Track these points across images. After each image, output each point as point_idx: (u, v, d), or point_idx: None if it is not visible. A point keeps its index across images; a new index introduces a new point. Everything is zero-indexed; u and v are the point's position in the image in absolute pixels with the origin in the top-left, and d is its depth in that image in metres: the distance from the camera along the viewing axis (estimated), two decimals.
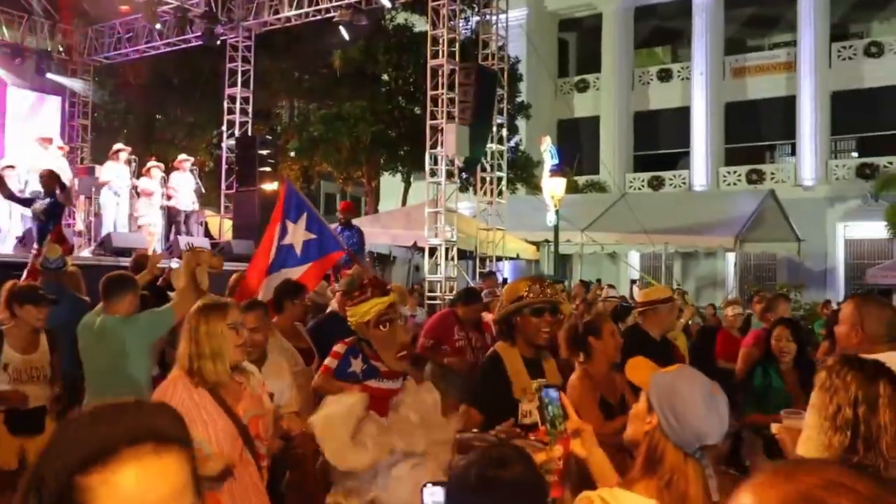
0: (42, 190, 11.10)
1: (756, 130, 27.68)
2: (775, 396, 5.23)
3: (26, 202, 11.61)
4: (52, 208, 10.64)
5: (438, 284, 15.49)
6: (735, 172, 27.40)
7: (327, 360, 4.74)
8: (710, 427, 2.20)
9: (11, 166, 13.85)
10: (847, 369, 2.54)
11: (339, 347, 4.73)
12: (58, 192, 10.70)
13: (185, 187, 15.26)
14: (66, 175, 14.04)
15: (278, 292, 6.25)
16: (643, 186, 28.64)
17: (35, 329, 5.25)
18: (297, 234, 7.40)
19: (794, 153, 26.95)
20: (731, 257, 22.95)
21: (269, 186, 17.91)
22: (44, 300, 5.30)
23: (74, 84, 20.14)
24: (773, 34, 29.13)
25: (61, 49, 19.91)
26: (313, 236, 7.46)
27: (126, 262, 12.05)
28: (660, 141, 29.66)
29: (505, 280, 15.38)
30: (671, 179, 28.54)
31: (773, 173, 26.99)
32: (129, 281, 5.22)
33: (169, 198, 15.01)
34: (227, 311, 3.56)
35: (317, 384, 4.77)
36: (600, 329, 4.56)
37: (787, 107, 26.54)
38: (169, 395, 3.39)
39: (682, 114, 28.17)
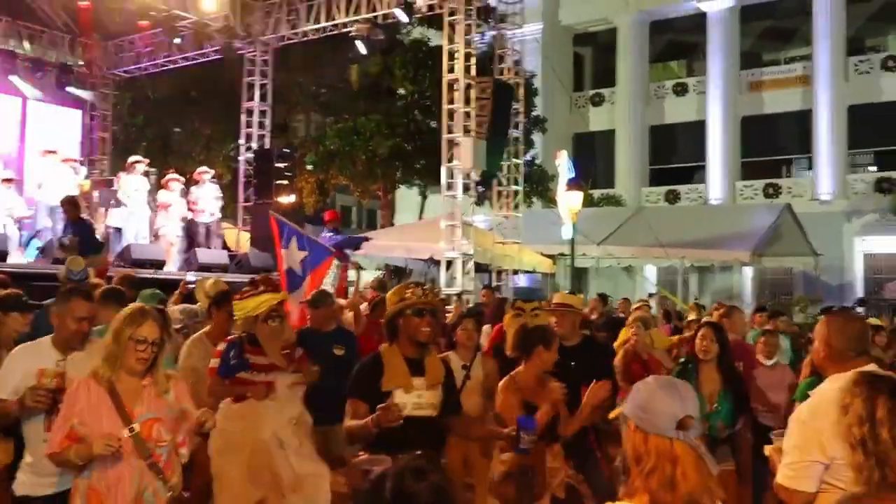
0: (65, 216, 11.35)
1: (772, 144, 27.60)
2: None
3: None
4: (82, 234, 10.85)
5: (454, 298, 15.53)
6: (751, 186, 27.32)
7: (211, 361, 4.96)
8: (675, 404, 2.31)
9: (10, 179, 13.93)
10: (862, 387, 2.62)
11: (220, 346, 4.98)
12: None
13: (204, 200, 15.37)
14: (73, 187, 14.12)
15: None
16: (659, 200, 28.59)
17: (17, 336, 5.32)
18: (293, 257, 8.16)
19: (810, 167, 26.86)
20: (747, 271, 22.88)
21: (286, 199, 18.03)
22: (29, 307, 5.38)
23: (93, 97, 20.34)
24: (789, 48, 29.09)
25: (81, 63, 20.11)
26: (306, 253, 8.18)
27: (143, 273, 12.18)
28: (675, 155, 29.63)
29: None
30: (687, 193, 28.49)
31: (789, 187, 26.90)
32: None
33: (191, 210, 15.14)
34: (142, 323, 3.69)
35: (209, 390, 4.98)
36: (551, 340, 4.91)
37: (803, 121, 26.48)
38: (73, 390, 3.67)
39: (698, 128, 28.14)
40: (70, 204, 11.37)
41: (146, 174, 15.51)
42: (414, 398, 4.08)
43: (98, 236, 12.99)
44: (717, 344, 5.72)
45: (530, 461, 4.46)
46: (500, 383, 4.96)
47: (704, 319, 7.61)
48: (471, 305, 14.18)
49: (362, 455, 3.96)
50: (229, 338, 5.00)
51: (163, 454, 3.71)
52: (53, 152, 14.65)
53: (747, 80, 28.01)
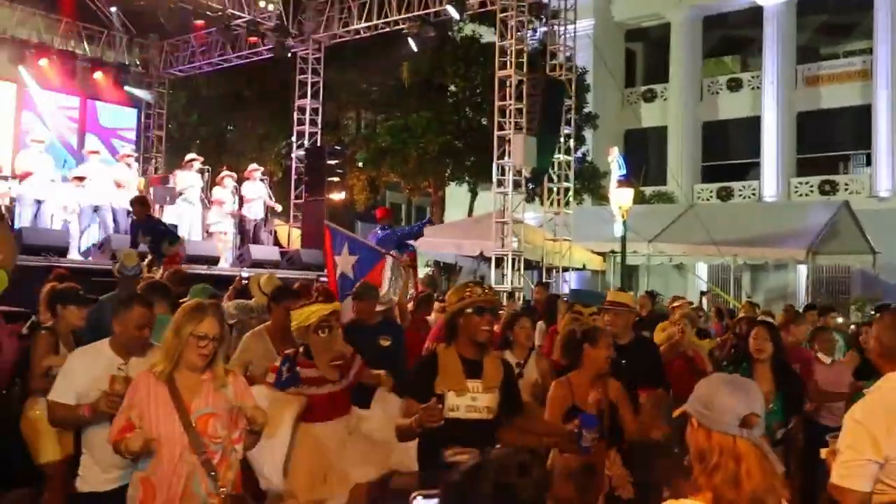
0: (134, 216, 11.62)
1: (829, 140, 27.07)
2: None
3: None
4: (153, 233, 11.12)
5: (504, 294, 15.51)
6: (807, 183, 26.84)
7: (268, 377, 4.91)
8: (740, 401, 2.29)
9: (81, 178, 14.20)
10: None
11: (277, 361, 4.94)
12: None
13: (256, 196, 15.57)
14: (99, 178, 14.33)
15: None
16: (711, 197, 28.23)
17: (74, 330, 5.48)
18: (346, 262, 8.22)
19: (869, 163, 26.27)
20: (802, 270, 22.44)
21: (337, 196, 18.17)
22: (86, 301, 5.54)
23: (149, 96, 20.73)
24: (848, 42, 28.48)
25: (138, 63, 20.52)
26: (358, 256, 8.27)
27: (198, 268, 12.39)
28: (729, 151, 29.22)
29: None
30: (740, 190, 28.08)
31: (846, 184, 26.37)
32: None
33: (241, 207, 15.34)
34: (203, 319, 3.71)
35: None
36: (597, 339, 4.84)
37: (861, 116, 25.90)
38: (133, 385, 3.73)
39: (753, 123, 27.70)
40: (139, 203, 11.66)
41: (201, 171, 15.78)
42: (468, 401, 4.01)
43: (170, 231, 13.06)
44: (772, 343, 5.63)
45: (591, 460, 4.41)
46: (552, 385, 4.91)
47: (759, 318, 7.52)
48: (521, 303, 14.18)
49: (448, 451, 3.87)
50: (287, 351, 4.98)
51: (217, 450, 3.72)
52: (96, 152, 14.90)
53: (804, 74, 27.49)
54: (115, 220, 14.56)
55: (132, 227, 11.94)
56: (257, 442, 4.04)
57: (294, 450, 4.67)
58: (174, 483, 3.64)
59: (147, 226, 11.28)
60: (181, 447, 3.64)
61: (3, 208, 11.68)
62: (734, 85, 28.96)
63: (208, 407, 3.74)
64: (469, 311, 4.07)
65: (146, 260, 11.77)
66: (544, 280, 17.01)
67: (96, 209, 14.19)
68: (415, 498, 2.01)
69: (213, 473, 3.68)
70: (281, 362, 4.88)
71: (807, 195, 26.51)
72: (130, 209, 14.28)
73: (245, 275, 11.51)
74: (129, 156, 15.07)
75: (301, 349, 4.88)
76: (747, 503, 2.19)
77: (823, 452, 3.26)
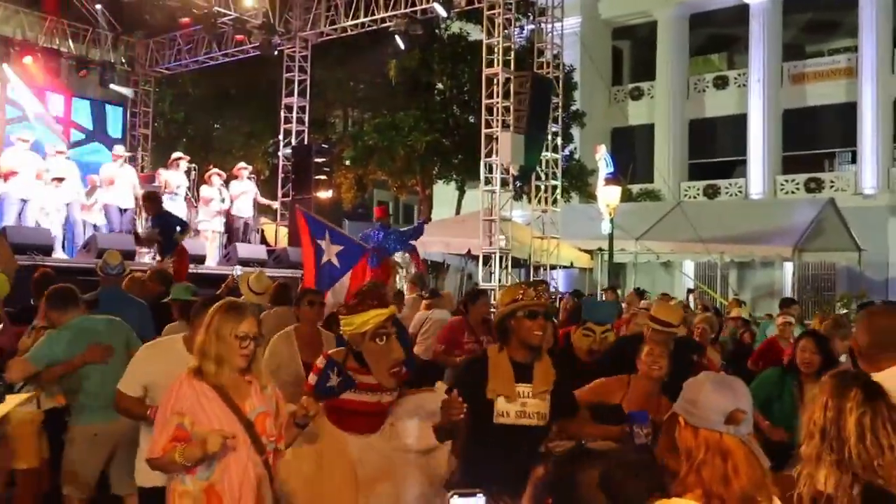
0: (145, 213, 11.65)
1: (815, 138, 27.21)
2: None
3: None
4: (164, 226, 11.13)
5: (492, 293, 15.50)
6: (793, 181, 26.96)
7: (310, 377, 4.54)
8: (725, 398, 2.29)
9: (60, 178, 14.05)
10: (827, 380, 2.56)
11: (319, 361, 4.54)
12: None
13: (246, 195, 15.51)
14: (71, 176, 14.27)
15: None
16: (698, 195, 28.33)
17: None
18: (330, 250, 7.99)
19: (854, 161, 26.43)
20: (788, 267, 22.57)
21: (325, 194, 18.13)
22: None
23: (135, 94, 20.63)
24: (833, 40, 28.63)
25: (124, 60, 20.41)
26: (342, 247, 8.05)
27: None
28: (715, 149, 29.32)
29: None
30: (727, 188, 28.19)
31: (832, 181, 26.50)
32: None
33: (231, 204, 15.30)
34: (242, 319, 3.57)
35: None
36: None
37: (847, 114, 26.04)
38: (175, 394, 3.52)
39: (739, 121, 27.81)
40: (149, 199, 11.68)
41: (187, 171, 15.71)
42: (517, 406, 3.93)
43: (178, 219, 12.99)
44: (820, 356, 5.35)
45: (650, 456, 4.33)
46: (613, 381, 4.84)
47: (736, 312, 7.46)
48: None
49: (554, 442, 3.83)
50: (330, 353, 4.62)
51: (272, 449, 3.68)
52: (62, 152, 14.78)
53: (789, 72, 27.62)
54: (107, 218, 14.53)
55: (147, 222, 11.93)
56: (298, 436, 3.91)
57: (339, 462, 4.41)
58: (245, 488, 3.54)
59: (158, 219, 11.32)
60: (246, 449, 3.55)
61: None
62: (720, 83, 29.07)
63: (262, 406, 3.66)
64: (521, 314, 3.97)
65: (154, 251, 11.83)
66: (531, 279, 17.02)
67: (67, 205, 14.07)
68: (452, 496, 1.99)
69: (270, 471, 3.66)
70: (326, 365, 4.45)
71: (793, 193, 26.64)
72: (124, 207, 14.31)
73: (238, 273, 11.51)
74: (120, 157, 14.97)
75: (348, 354, 4.50)
76: (737, 501, 2.19)
77: None
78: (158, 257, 11.11)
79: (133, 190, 14.59)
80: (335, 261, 8.01)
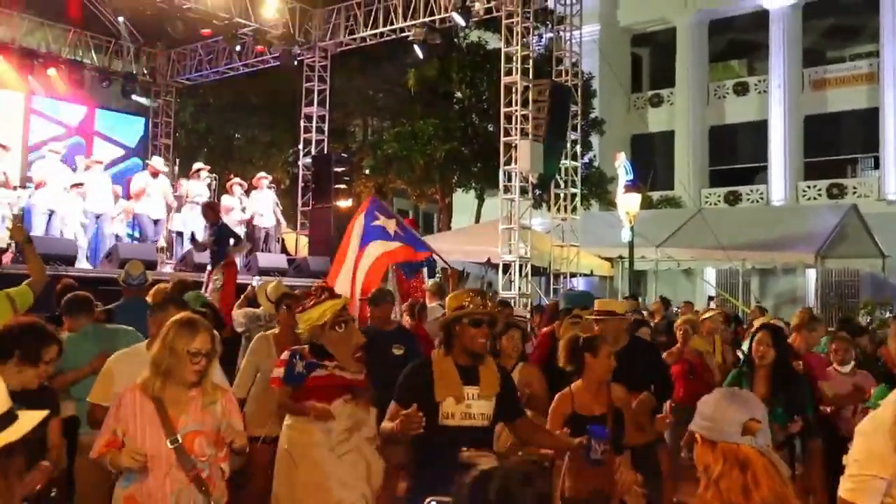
0: (205, 220, 11.81)
1: (837, 144, 27.02)
2: None
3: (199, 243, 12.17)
4: (219, 237, 11.29)
5: (512, 301, 15.49)
6: (815, 187, 26.77)
7: (275, 371, 4.79)
8: (740, 410, 2.31)
9: (80, 184, 14.19)
10: None
11: (284, 355, 4.80)
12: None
13: (264, 205, 15.60)
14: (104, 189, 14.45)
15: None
16: (719, 202, 28.18)
17: None
18: (390, 224, 8.20)
19: (877, 167, 26.20)
20: (811, 274, 22.39)
21: (344, 203, 18.19)
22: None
23: (157, 105, 20.81)
24: (855, 45, 28.44)
25: (145, 72, 20.61)
26: (402, 234, 8.29)
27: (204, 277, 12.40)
28: (736, 155, 29.18)
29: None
30: (748, 194, 28.02)
31: (855, 187, 26.29)
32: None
33: (253, 216, 15.41)
34: (196, 335, 3.63)
35: (279, 403, 4.82)
36: (597, 348, 4.77)
37: (869, 119, 25.83)
38: (118, 402, 3.68)
39: (760, 127, 27.66)
40: (209, 208, 11.86)
41: (208, 181, 15.83)
42: (463, 408, 3.99)
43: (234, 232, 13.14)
44: (774, 349, 5.54)
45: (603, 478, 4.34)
46: (556, 398, 4.87)
47: (759, 322, 7.45)
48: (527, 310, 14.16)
49: (466, 451, 3.85)
50: (292, 347, 4.85)
51: (205, 468, 3.66)
52: (99, 162, 14.95)
53: (810, 78, 27.45)
54: (139, 227, 14.76)
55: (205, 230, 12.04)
56: (242, 464, 4.04)
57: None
58: (161, 500, 3.59)
59: (214, 229, 11.49)
60: (168, 465, 3.59)
61: (27, 232, 11.64)
62: (741, 89, 28.92)
63: (196, 424, 3.67)
64: (466, 321, 4.03)
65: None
66: (551, 287, 17.01)
67: (100, 217, 14.23)
68: (430, 502, 2.01)
69: (204, 489, 3.63)
70: (290, 356, 4.72)
71: (815, 199, 26.44)
72: (156, 218, 14.43)
73: (256, 283, 11.57)
74: (157, 170, 15.13)
75: (306, 348, 4.74)
76: None
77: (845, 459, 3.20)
78: (210, 267, 11.27)
79: (165, 200, 14.76)
80: (390, 230, 8.21)
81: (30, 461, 2.76)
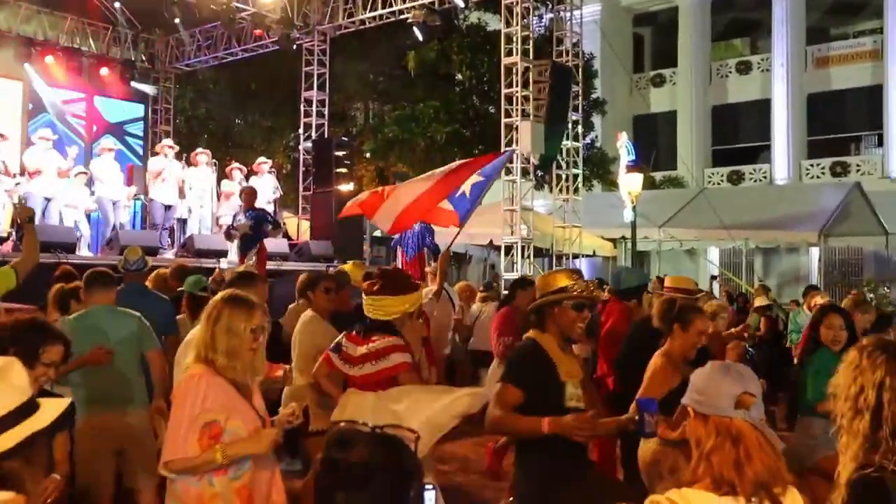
0: (242, 205, 11.95)
1: (841, 121, 26.91)
2: None
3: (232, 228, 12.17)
4: (257, 220, 11.28)
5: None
6: (818, 165, 26.68)
7: (331, 346, 4.77)
8: (733, 383, 2.27)
9: (85, 173, 14.16)
10: (879, 352, 2.49)
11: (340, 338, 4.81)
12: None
13: (264, 190, 15.55)
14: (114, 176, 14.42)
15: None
16: (722, 181, 28.11)
17: None
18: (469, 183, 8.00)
19: (881, 144, 26.08)
20: (814, 252, 22.33)
21: (346, 187, 18.14)
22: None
23: (154, 91, 20.72)
24: (858, 22, 28.25)
25: (144, 58, 20.51)
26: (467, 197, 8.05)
27: (208, 263, 12.40)
28: (739, 134, 29.08)
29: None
30: (751, 174, 27.94)
31: (858, 165, 26.19)
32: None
33: None
34: (253, 311, 3.42)
35: (315, 375, 4.88)
36: (690, 322, 4.65)
37: (873, 96, 25.72)
38: (201, 390, 3.29)
39: (763, 106, 27.56)
40: (248, 193, 11.88)
41: (210, 165, 15.78)
42: (578, 391, 3.86)
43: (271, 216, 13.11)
44: (847, 331, 5.27)
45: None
46: (658, 363, 4.69)
47: (821, 303, 7.25)
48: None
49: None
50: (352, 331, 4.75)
51: None
52: (111, 150, 14.91)
53: (814, 55, 27.31)
54: (151, 213, 14.75)
55: (236, 216, 11.98)
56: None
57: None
58: (273, 487, 3.46)
59: (252, 213, 11.48)
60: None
61: (34, 212, 11.52)
62: (743, 68, 28.80)
63: (261, 403, 3.56)
64: (568, 303, 3.88)
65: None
66: (555, 268, 16.95)
67: (115, 204, 14.24)
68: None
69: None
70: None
71: (818, 177, 26.37)
72: (168, 204, 14.43)
73: (224, 266, 11.62)
74: (171, 147, 15.10)
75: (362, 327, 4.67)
76: (750, 487, 2.14)
77: None
78: (239, 253, 11.26)
79: (178, 185, 14.75)
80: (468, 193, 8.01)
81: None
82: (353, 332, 4.68)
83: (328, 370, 4.77)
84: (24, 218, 5.69)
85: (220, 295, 3.55)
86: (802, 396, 5.35)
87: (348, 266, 7.76)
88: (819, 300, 9.42)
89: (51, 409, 1.96)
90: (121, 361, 5.05)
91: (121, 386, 5.06)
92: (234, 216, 12.08)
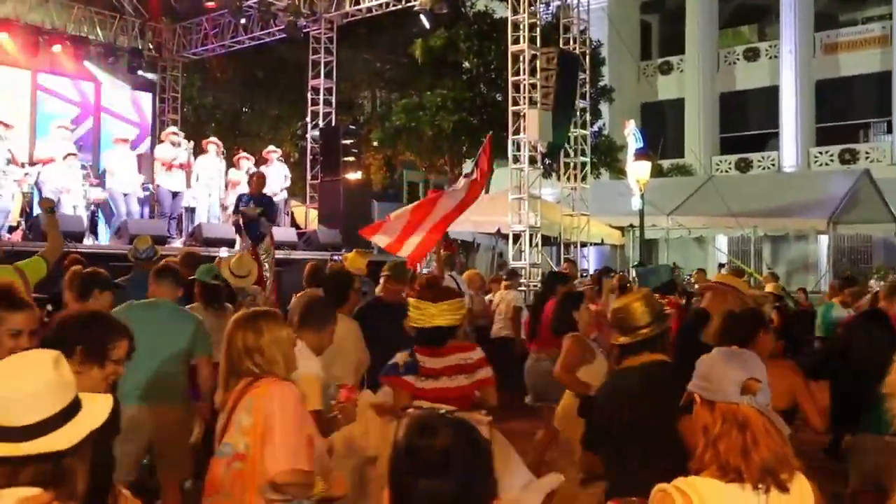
0: (250, 190, 11.98)
1: (849, 108, 26.81)
2: None
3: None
4: (268, 207, 11.47)
5: (523, 271, 15.45)
6: (827, 152, 26.59)
7: (397, 357, 4.50)
8: (739, 369, 2.26)
9: (21, 164, 14.12)
10: None
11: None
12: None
13: (273, 179, 15.54)
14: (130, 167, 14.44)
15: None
16: (730, 169, 28.04)
17: None
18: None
19: (890, 131, 25.99)
20: (823, 240, 22.28)
21: (354, 176, 18.13)
22: (116, 286, 5.56)
23: (163, 80, 20.73)
24: (867, 7, 28.07)
25: (151, 47, 20.50)
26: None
27: (216, 252, 12.40)
28: (747, 122, 28.99)
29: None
30: (759, 161, 27.86)
31: (867, 152, 26.09)
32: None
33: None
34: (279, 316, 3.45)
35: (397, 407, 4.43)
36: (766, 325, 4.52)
37: (882, 83, 25.61)
38: (296, 405, 3.19)
39: (771, 93, 27.45)
40: (258, 177, 11.91)
41: (219, 154, 15.79)
42: None
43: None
44: None
45: None
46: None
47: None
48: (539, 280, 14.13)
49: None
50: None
51: None
52: (125, 140, 14.93)
53: (822, 42, 27.16)
54: (159, 201, 14.72)
55: (242, 199, 11.92)
56: None
57: None
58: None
59: (258, 199, 11.50)
60: None
61: (56, 201, 11.46)
62: (751, 55, 28.68)
63: None
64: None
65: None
66: (562, 256, 16.96)
67: (126, 197, 14.24)
68: None
69: None
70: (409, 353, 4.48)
71: (827, 165, 26.28)
72: (175, 191, 14.43)
73: (223, 255, 11.61)
74: (174, 133, 15.09)
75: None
76: (757, 473, 2.15)
77: None
78: (248, 241, 11.25)
79: (186, 173, 14.74)
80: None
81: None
82: (421, 346, 4.45)
83: (410, 396, 4.36)
84: (45, 208, 5.73)
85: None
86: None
87: (351, 255, 7.76)
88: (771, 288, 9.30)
89: (99, 406, 1.96)
90: (165, 359, 5.03)
91: (160, 382, 5.01)
92: (238, 200, 11.99)
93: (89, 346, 2.93)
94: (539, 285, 9.44)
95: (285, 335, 3.33)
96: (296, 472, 3.03)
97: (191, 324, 5.33)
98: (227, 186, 15.43)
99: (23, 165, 13.56)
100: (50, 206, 5.66)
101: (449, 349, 4.44)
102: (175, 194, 14.64)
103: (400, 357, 4.43)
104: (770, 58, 27.99)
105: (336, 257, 11.65)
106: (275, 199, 15.39)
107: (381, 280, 6.63)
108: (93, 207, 14.20)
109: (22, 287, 3.56)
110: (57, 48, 17.74)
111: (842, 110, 26.70)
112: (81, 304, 5.28)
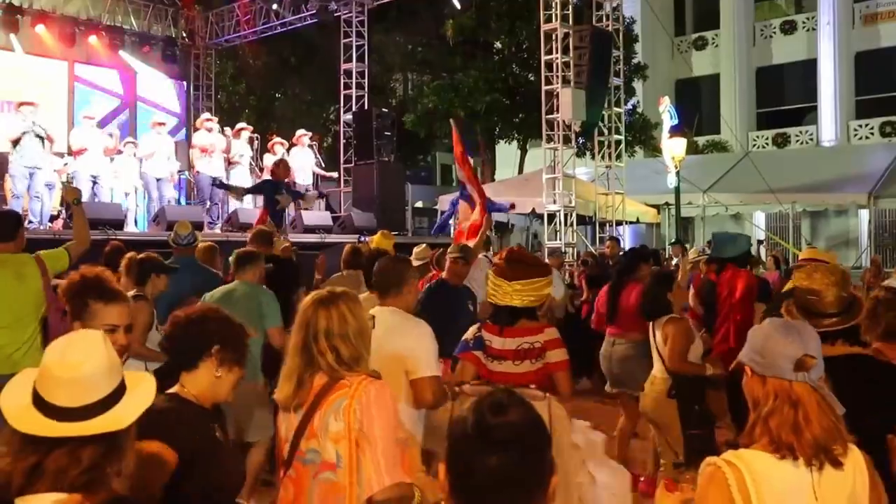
0: (271, 177, 12.06)
1: (889, 80, 26.21)
2: None
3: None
4: (294, 195, 11.76)
5: (558, 251, 15.41)
6: (867, 125, 26.10)
7: (472, 343, 4.41)
8: (794, 344, 2.19)
9: (60, 153, 14.26)
10: None
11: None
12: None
13: (305, 163, 15.62)
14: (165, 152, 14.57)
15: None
16: (767, 144, 27.64)
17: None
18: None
19: None
20: (864, 214, 21.96)
21: (387, 159, 18.14)
22: (170, 269, 5.68)
23: (196, 68, 20.88)
24: None
25: (184, 35, 20.65)
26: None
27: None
28: (784, 96, 28.52)
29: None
30: (797, 136, 27.44)
31: None
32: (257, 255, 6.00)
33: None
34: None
35: (460, 379, 4.33)
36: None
37: None
38: (394, 408, 2.89)
39: (809, 67, 26.97)
40: (281, 166, 12.03)
41: (250, 140, 15.88)
42: None
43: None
44: None
45: None
46: None
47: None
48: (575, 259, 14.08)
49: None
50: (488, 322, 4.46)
51: None
52: (162, 124, 15.06)
53: (861, 12, 26.60)
54: (199, 187, 14.89)
55: (269, 185, 12.05)
56: None
57: None
58: None
59: (282, 185, 11.65)
60: None
61: (80, 193, 11.71)
62: (788, 28, 28.17)
63: None
64: None
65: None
66: (597, 236, 16.86)
67: (159, 182, 14.38)
68: None
69: None
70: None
71: (867, 138, 25.81)
72: (214, 176, 14.52)
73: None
74: (209, 119, 15.22)
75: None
76: (810, 449, 2.12)
77: None
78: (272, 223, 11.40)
79: (224, 158, 14.88)
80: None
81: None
82: (490, 323, 4.38)
83: (475, 372, 4.28)
84: (71, 199, 5.79)
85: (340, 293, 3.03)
86: None
87: (376, 237, 7.77)
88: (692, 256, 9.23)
89: (145, 386, 2.01)
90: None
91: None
92: (265, 185, 12.08)
93: (232, 347, 2.69)
94: (618, 262, 8.98)
95: (370, 325, 3.01)
96: (398, 486, 2.75)
97: (264, 297, 5.64)
98: (261, 172, 15.52)
99: (62, 156, 13.75)
100: (76, 198, 5.70)
101: (516, 330, 4.29)
102: (214, 179, 14.75)
103: (470, 332, 4.44)
104: (808, 30, 27.51)
105: (363, 238, 11.72)
106: (303, 182, 15.59)
107: (448, 262, 6.50)
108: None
109: (112, 277, 3.39)
110: (93, 39, 17.95)
111: (882, 82, 26.15)
112: (139, 288, 5.40)
